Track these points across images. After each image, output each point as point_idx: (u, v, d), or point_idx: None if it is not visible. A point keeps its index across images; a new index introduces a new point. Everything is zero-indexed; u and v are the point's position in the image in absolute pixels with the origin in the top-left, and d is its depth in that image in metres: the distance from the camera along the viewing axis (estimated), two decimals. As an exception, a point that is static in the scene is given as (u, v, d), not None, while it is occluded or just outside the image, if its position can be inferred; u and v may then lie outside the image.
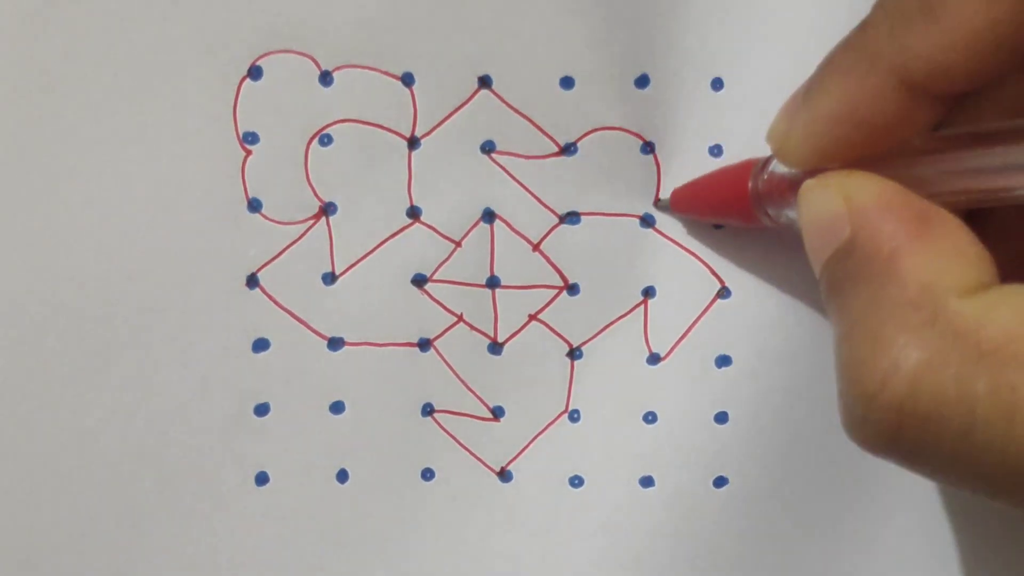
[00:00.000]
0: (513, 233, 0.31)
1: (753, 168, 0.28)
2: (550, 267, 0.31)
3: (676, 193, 0.31)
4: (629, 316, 0.31)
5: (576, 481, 0.31)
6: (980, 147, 0.22)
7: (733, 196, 0.28)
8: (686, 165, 0.31)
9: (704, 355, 0.31)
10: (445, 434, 0.31)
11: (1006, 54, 0.22)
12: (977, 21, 0.21)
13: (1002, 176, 0.22)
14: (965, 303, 0.21)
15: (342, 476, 0.31)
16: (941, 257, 0.21)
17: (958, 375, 0.20)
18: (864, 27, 0.24)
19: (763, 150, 0.31)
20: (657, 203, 0.31)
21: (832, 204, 0.23)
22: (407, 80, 0.31)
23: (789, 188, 0.26)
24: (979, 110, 0.24)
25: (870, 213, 0.22)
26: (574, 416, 0.31)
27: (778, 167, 0.27)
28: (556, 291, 0.31)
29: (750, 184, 0.28)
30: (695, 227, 0.31)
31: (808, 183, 0.25)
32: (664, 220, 0.31)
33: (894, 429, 0.21)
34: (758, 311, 0.31)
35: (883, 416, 0.21)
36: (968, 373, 0.20)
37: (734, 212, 0.29)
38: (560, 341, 0.31)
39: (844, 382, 0.22)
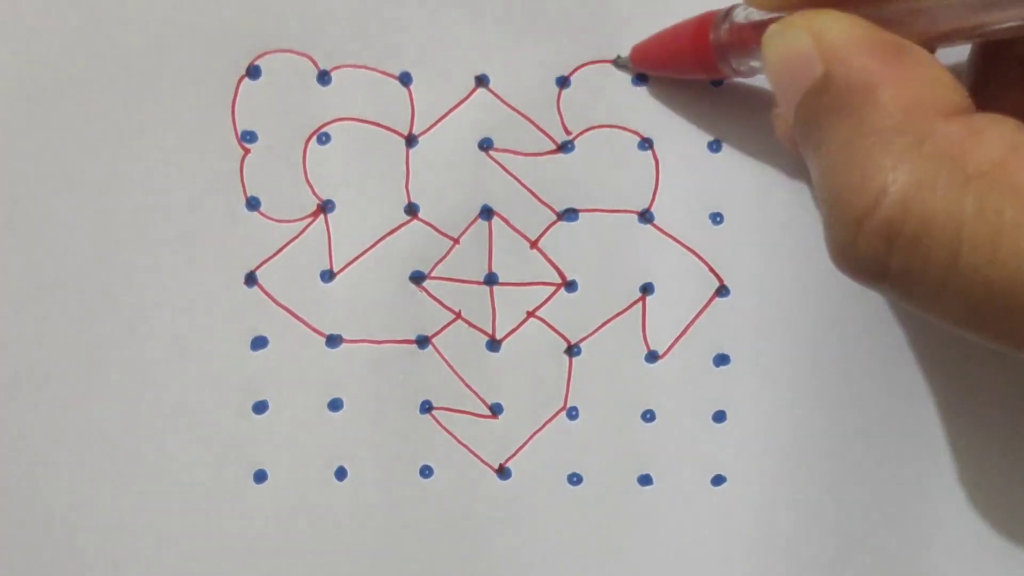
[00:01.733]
0: (511, 230, 0.31)
1: (715, 18, 0.28)
2: (548, 264, 0.31)
3: (636, 49, 0.30)
4: (627, 313, 0.31)
5: (574, 479, 0.31)
6: None
7: (694, 47, 0.28)
8: (684, 161, 0.31)
9: (702, 353, 0.31)
10: (443, 431, 0.31)
11: None
12: None
13: (970, 12, 0.22)
14: (950, 125, 0.21)
15: (340, 474, 0.31)
16: (920, 83, 0.22)
17: (946, 197, 0.20)
18: None
19: (766, 141, 0.31)
20: (616, 61, 0.31)
21: (800, 43, 0.23)
22: (405, 79, 0.31)
23: (752, 35, 0.26)
24: None
25: (842, 48, 0.22)
26: (572, 413, 0.31)
27: (739, 16, 0.27)
28: (554, 288, 0.31)
29: (712, 35, 0.28)
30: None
31: (773, 27, 0.24)
32: (663, 217, 0.31)
33: (883, 252, 0.21)
34: (757, 310, 0.31)
35: (872, 239, 0.21)
36: (955, 195, 0.20)
37: (696, 65, 0.29)
38: (558, 338, 0.31)
39: (832, 210, 0.22)
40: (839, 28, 0.23)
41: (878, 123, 0.21)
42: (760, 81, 0.31)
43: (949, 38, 0.23)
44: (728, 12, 0.28)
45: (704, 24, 0.28)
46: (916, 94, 0.21)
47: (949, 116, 0.21)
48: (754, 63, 0.27)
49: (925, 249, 0.20)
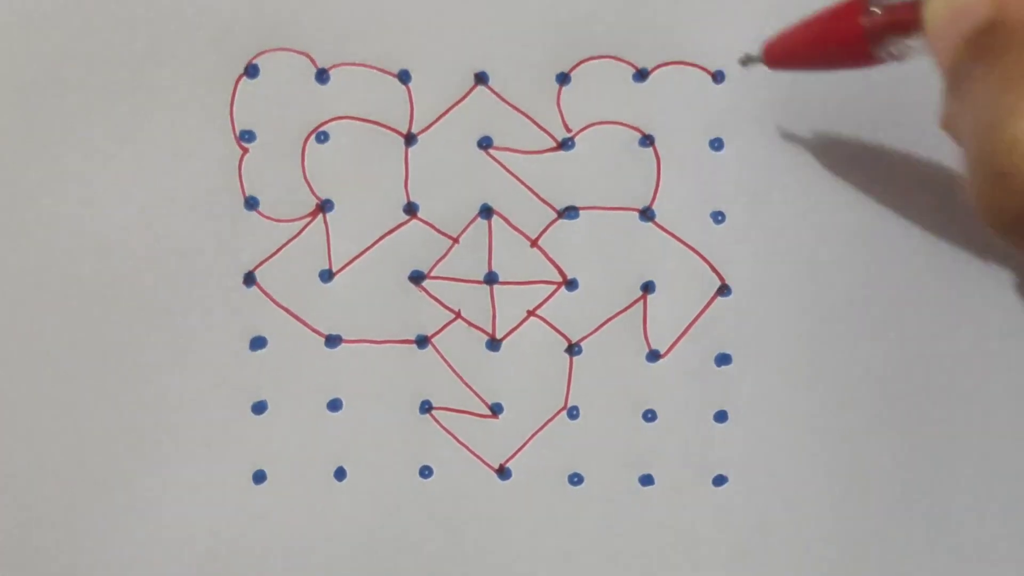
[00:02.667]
0: (511, 229, 0.31)
1: (864, 2, 0.27)
2: (548, 262, 0.31)
3: (772, 44, 0.29)
4: (628, 312, 0.31)
5: (575, 478, 0.31)
6: None
7: (843, 35, 0.27)
8: (686, 159, 0.31)
9: (704, 353, 0.31)
10: (443, 431, 0.31)
11: None
12: None
13: None
14: None
15: (340, 474, 0.31)
16: None
17: None
18: None
19: (768, 139, 0.31)
20: (745, 58, 0.30)
21: None
22: (403, 77, 0.31)
23: (911, 11, 0.25)
24: None
25: None
26: (573, 413, 0.31)
27: None
28: (555, 287, 0.31)
29: (863, 20, 0.27)
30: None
31: None
32: (664, 214, 0.31)
33: None
34: (758, 309, 0.31)
35: None
36: None
37: (845, 54, 0.27)
38: (559, 337, 0.31)
39: (985, 148, 0.21)
40: None
41: None
42: (757, 79, 0.30)
43: None
44: None
45: (852, 9, 0.27)
46: None
47: None
48: (912, 42, 0.26)
49: None
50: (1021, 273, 0.31)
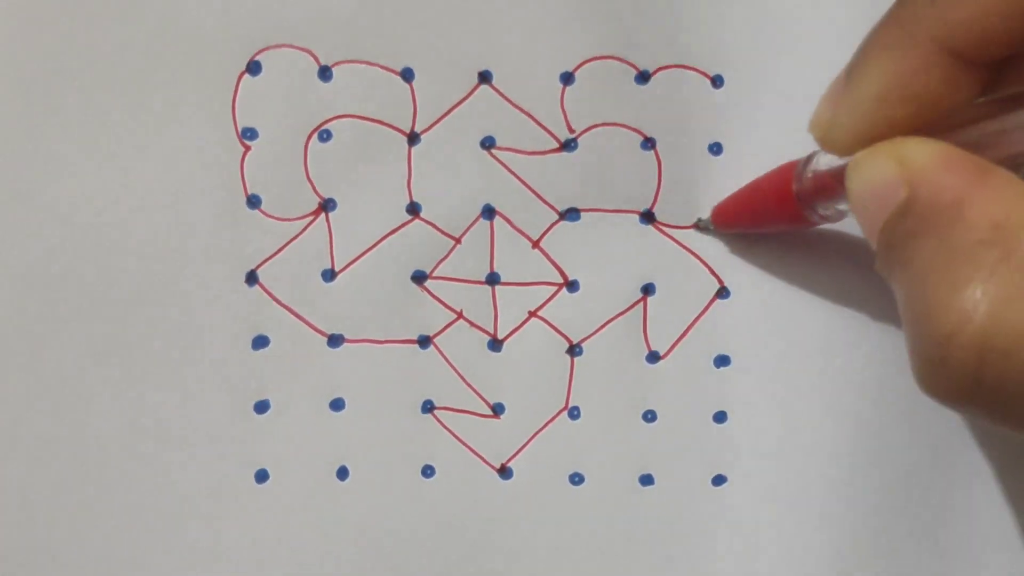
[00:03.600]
0: (513, 230, 0.31)
1: (795, 169, 0.28)
2: (550, 264, 0.31)
3: (718, 209, 0.31)
4: (629, 313, 0.31)
5: (576, 479, 0.31)
6: None
7: (778, 200, 0.28)
8: (686, 161, 0.31)
9: (703, 354, 0.31)
10: (445, 431, 0.31)
11: None
12: None
13: None
14: None
15: (342, 473, 0.31)
16: (1007, 200, 0.21)
17: None
18: (901, 2, 0.24)
19: (765, 145, 0.31)
20: (697, 224, 0.31)
21: (885, 170, 0.23)
22: (407, 75, 0.31)
23: (837, 179, 0.26)
24: (1019, 73, 0.24)
25: (927, 169, 0.22)
26: (574, 413, 0.31)
27: (820, 163, 0.27)
28: (556, 288, 0.31)
29: (794, 186, 0.28)
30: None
31: (857, 156, 0.24)
32: (664, 216, 0.31)
33: (975, 369, 0.20)
34: (757, 311, 0.31)
35: (963, 355, 0.20)
36: None
37: (781, 217, 0.29)
38: (560, 338, 0.31)
39: (919, 329, 0.21)
40: (923, 152, 0.23)
41: (965, 237, 0.21)
42: (757, 83, 0.31)
43: None
44: (808, 159, 0.28)
45: (785, 176, 0.28)
46: (1003, 210, 0.21)
47: None
48: (841, 207, 0.27)
49: (1018, 363, 0.20)
50: None
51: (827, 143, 0.26)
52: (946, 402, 0.22)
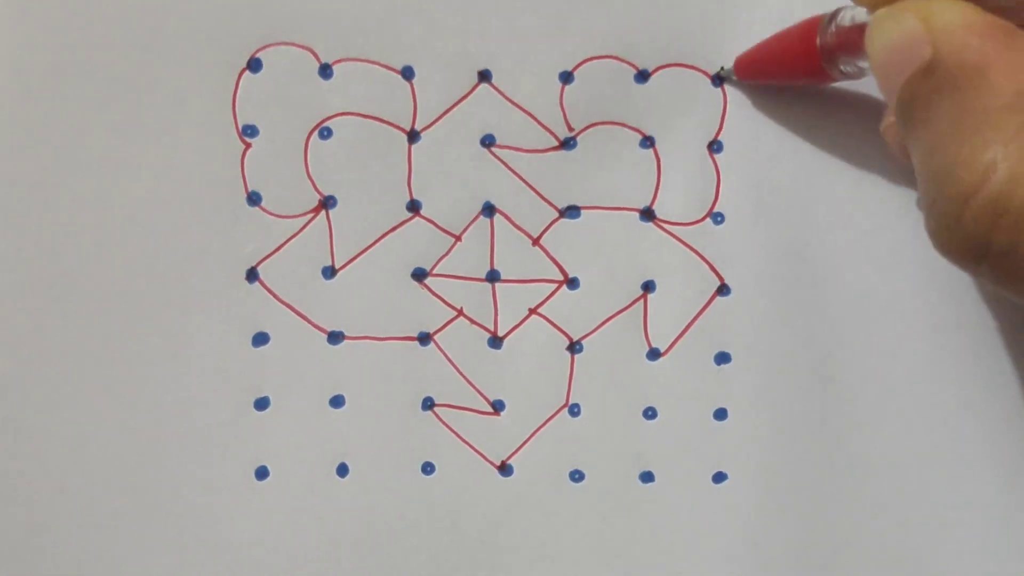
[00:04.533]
0: (513, 227, 0.31)
1: (820, 23, 0.28)
2: (550, 261, 0.31)
3: (740, 58, 0.31)
4: (629, 311, 0.31)
5: (576, 475, 0.31)
6: None
7: (802, 53, 0.29)
8: (686, 160, 0.31)
9: (704, 351, 0.31)
10: (445, 428, 0.31)
11: None
12: None
13: None
14: None
15: (342, 470, 0.31)
16: None
17: None
18: None
19: (766, 143, 0.31)
20: (720, 72, 0.31)
21: (909, 26, 0.23)
22: (407, 73, 0.31)
23: (860, 36, 0.26)
24: None
25: (953, 30, 0.22)
26: (574, 410, 0.31)
27: (845, 19, 0.27)
28: (556, 285, 0.31)
29: (818, 39, 0.28)
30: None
31: (880, 12, 0.24)
32: (664, 213, 0.31)
33: (988, 228, 0.21)
34: (758, 309, 0.31)
35: (979, 215, 0.21)
36: None
37: (803, 69, 0.29)
38: (560, 335, 0.31)
39: (937, 187, 0.22)
40: (950, 12, 0.23)
41: (989, 102, 0.21)
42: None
43: None
44: (834, 15, 0.28)
45: (810, 29, 0.28)
46: None
47: None
48: (862, 63, 0.27)
49: None
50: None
51: None
52: (957, 261, 0.22)
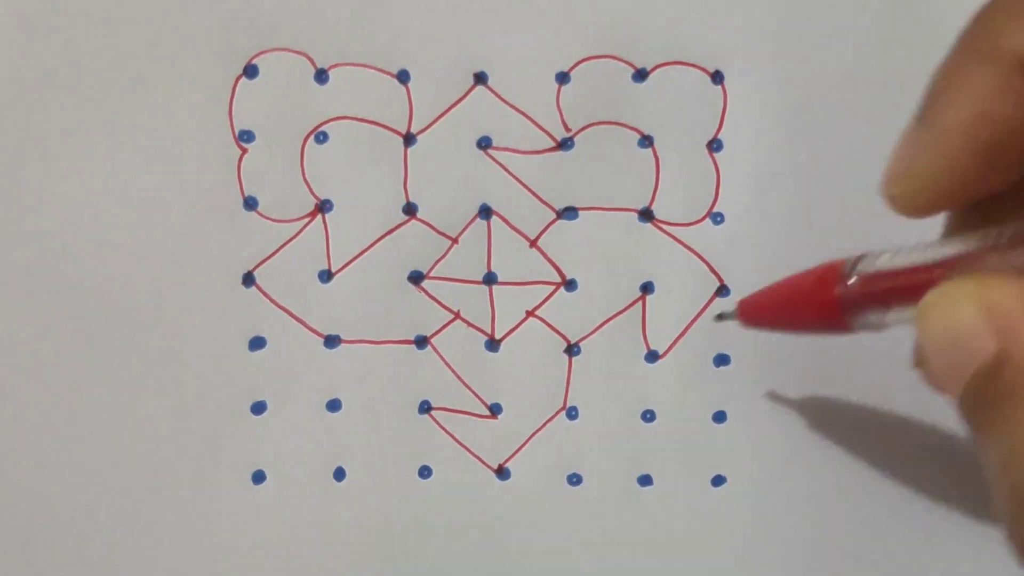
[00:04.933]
0: (510, 229, 0.31)
1: (840, 270, 0.25)
2: (547, 263, 0.31)
3: (745, 303, 0.29)
4: (627, 312, 0.31)
5: (574, 479, 0.31)
6: None
7: (819, 304, 0.25)
8: (685, 159, 0.31)
9: (703, 353, 0.31)
10: (443, 432, 0.31)
11: None
12: None
13: None
14: None
15: (339, 474, 0.31)
16: None
17: None
18: (980, 26, 0.21)
19: (766, 142, 0.31)
20: (720, 316, 0.30)
21: (966, 316, 0.21)
22: (402, 77, 0.31)
23: (891, 287, 0.23)
24: None
25: (1020, 322, 0.20)
26: (572, 413, 0.31)
27: (871, 264, 0.24)
28: (554, 287, 0.31)
29: (838, 288, 0.25)
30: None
31: (931, 296, 0.22)
32: (663, 214, 0.31)
33: None
34: (757, 309, 0.31)
35: None
36: None
37: (820, 322, 0.26)
38: (558, 338, 0.31)
39: (1020, 504, 0.20)
40: (1013, 297, 0.20)
41: None
42: (758, 79, 0.30)
43: None
44: (856, 262, 0.25)
45: (828, 277, 0.25)
46: None
47: None
48: (889, 317, 0.24)
49: None
50: None
51: (905, 199, 0.22)
52: None
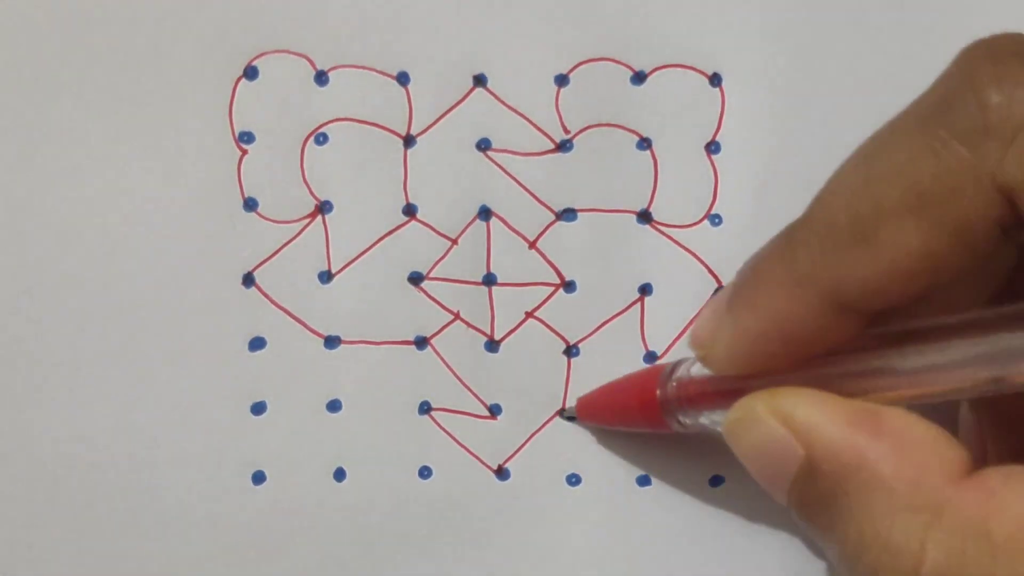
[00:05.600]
0: (509, 230, 0.31)
1: (660, 374, 0.28)
2: (547, 264, 0.31)
3: (581, 401, 0.30)
4: (626, 314, 0.31)
5: (573, 479, 0.31)
6: (914, 344, 0.21)
7: (640, 403, 0.28)
8: (683, 161, 0.31)
9: (701, 353, 0.31)
10: (442, 432, 0.31)
11: (939, 276, 0.21)
12: (913, 250, 0.20)
13: (941, 373, 0.21)
14: (963, 492, 0.20)
15: (339, 475, 0.31)
16: (915, 449, 0.21)
17: (978, 569, 0.20)
18: (792, 243, 0.22)
19: (764, 143, 0.31)
20: (562, 412, 0.31)
21: (772, 430, 0.22)
22: (402, 79, 0.31)
23: (701, 392, 0.26)
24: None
25: (818, 427, 0.22)
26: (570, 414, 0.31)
27: (687, 372, 0.27)
28: (553, 288, 0.31)
29: (659, 391, 0.27)
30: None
31: (732, 416, 0.24)
32: (661, 216, 0.31)
33: None
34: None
35: None
36: (987, 565, 0.20)
37: (643, 420, 0.28)
38: (557, 339, 0.31)
39: None
40: (807, 407, 0.22)
41: (888, 504, 0.20)
42: (755, 81, 0.31)
43: (921, 398, 0.22)
44: (675, 367, 0.27)
45: (650, 380, 0.28)
46: (916, 462, 0.21)
47: (958, 480, 0.20)
48: (703, 420, 0.26)
49: None
50: None
51: (707, 362, 0.25)
52: None
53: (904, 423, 0.21)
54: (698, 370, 0.26)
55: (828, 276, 0.22)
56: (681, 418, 0.27)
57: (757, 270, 0.23)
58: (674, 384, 0.27)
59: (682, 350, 0.31)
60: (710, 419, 0.26)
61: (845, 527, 0.21)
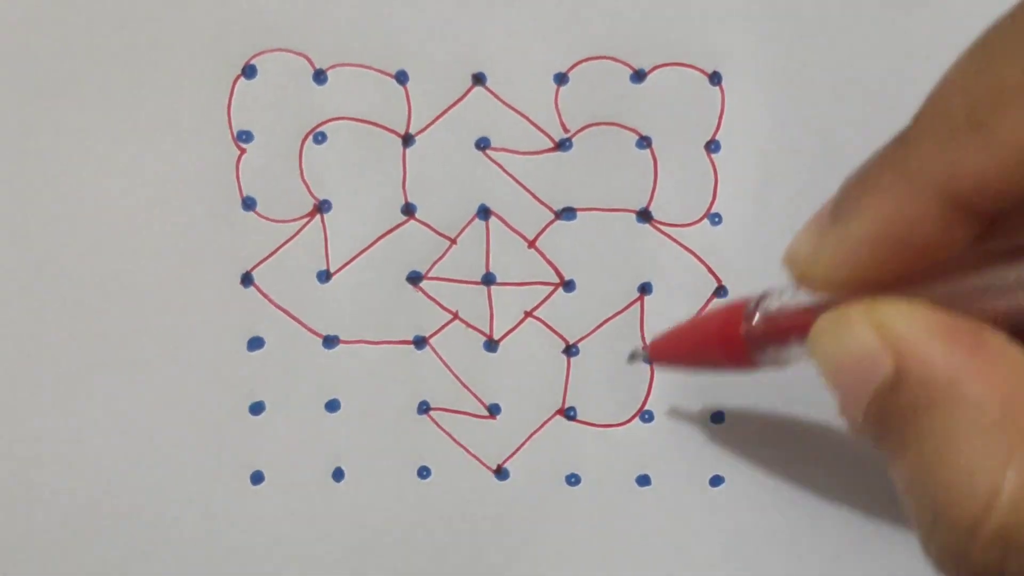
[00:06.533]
0: (508, 230, 0.31)
1: (744, 309, 0.26)
2: (546, 264, 0.31)
3: (656, 344, 0.29)
4: (626, 313, 0.31)
5: (572, 479, 0.31)
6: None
7: (724, 342, 0.26)
8: (683, 160, 0.31)
9: (701, 352, 0.31)
10: (441, 432, 0.31)
11: None
12: None
13: None
14: None
15: (338, 474, 0.31)
16: (1010, 371, 0.20)
17: None
18: (904, 142, 0.21)
19: (764, 142, 0.31)
20: (632, 354, 0.30)
21: (862, 339, 0.21)
22: (401, 78, 0.31)
23: (795, 324, 0.24)
24: (1012, 225, 0.22)
25: (914, 341, 0.20)
26: (570, 414, 0.31)
27: (774, 304, 0.25)
28: (552, 288, 0.31)
29: (743, 327, 0.26)
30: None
31: (822, 322, 0.22)
32: (661, 215, 0.31)
33: (1000, 558, 0.19)
34: (756, 309, 0.31)
35: (987, 546, 0.19)
36: None
37: (727, 359, 0.27)
38: (556, 338, 0.31)
39: (932, 515, 0.20)
40: (906, 318, 0.21)
41: (975, 421, 0.19)
42: (756, 80, 0.31)
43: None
44: (759, 301, 0.26)
45: (733, 316, 0.26)
46: (1010, 384, 0.19)
47: None
48: (795, 351, 0.25)
49: None
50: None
51: (807, 280, 0.23)
52: None
53: (1003, 346, 0.20)
54: (785, 301, 0.25)
55: (943, 170, 0.20)
56: (768, 354, 0.25)
57: (864, 176, 0.22)
58: (760, 318, 0.25)
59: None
60: (800, 351, 0.24)
61: (921, 444, 0.20)
